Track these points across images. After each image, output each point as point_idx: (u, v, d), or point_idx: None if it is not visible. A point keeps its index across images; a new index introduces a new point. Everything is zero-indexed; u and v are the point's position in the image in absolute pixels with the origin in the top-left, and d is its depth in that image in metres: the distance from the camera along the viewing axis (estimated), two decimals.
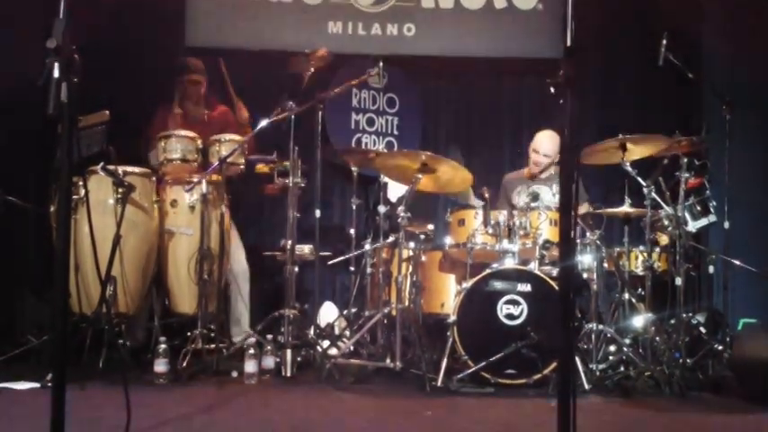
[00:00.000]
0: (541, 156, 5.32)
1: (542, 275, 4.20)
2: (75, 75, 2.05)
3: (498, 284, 4.18)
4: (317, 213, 4.86)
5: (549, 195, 5.20)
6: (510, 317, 4.13)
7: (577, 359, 4.00)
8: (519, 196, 5.35)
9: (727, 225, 4.86)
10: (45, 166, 4.79)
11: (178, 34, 6.13)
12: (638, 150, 4.44)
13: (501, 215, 4.45)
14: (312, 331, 4.68)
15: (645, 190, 4.36)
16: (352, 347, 4.70)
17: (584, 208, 4.98)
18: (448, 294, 5.02)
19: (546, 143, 5.33)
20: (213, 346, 4.29)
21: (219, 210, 4.54)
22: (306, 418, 3.26)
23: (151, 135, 5.01)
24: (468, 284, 4.23)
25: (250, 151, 4.96)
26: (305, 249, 5.26)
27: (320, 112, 4.80)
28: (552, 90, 2.02)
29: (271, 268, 6.23)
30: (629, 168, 4.37)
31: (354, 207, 5.64)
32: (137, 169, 4.52)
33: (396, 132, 6.45)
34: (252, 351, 4.08)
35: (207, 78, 5.24)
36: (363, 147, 6.19)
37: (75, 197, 4.20)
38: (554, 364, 3.91)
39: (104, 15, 5.90)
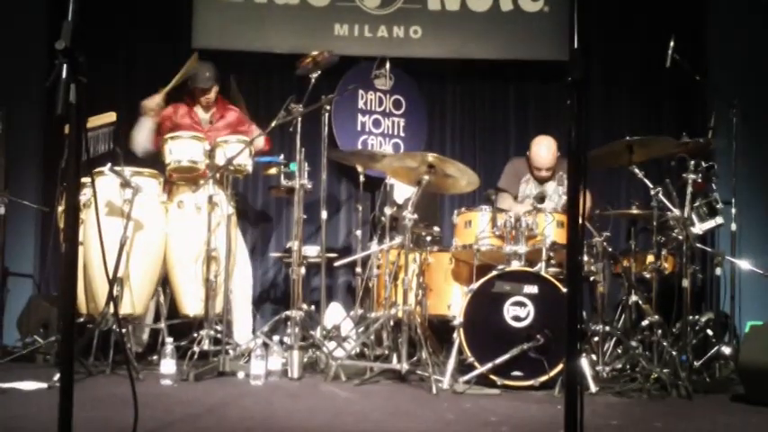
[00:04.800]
0: (543, 170, 5.29)
1: (549, 277, 4.19)
2: (84, 76, 2.05)
3: (505, 286, 4.18)
4: (324, 215, 4.87)
5: (556, 196, 5.20)
6: (517, 319, 4.13)
7: (584, 361, 4.00)
8: (527, 184, 5.33)
9: (734, 227, 4.85)
10: (53, 166, 4.83)
11: (185, 36, 6.14)
12: (644, 152, 4.44)
13: (508, 217, 4.46)
14: (318, 332, 4.69)
15: (652, 192, 4.36)
16: (358, 349, 4.71)
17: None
18: (454, 296, 5.02)
19: (545, 154, 5.26)
20: (219, 347, 4.29)
21: (226, 211, 4.55)
22: (312, 419, 3.25)
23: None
24: (474, 286, 4.23)
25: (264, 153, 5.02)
26: (311, 251, 5.27)
27: (327, 114, 4.81)
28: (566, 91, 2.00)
29: (277, 270, 6.26)
30: (637, 171, 4.37)
31: (360, 209, 5.65)
32: (144, 170, 4.54)
33: (402, 134, 6.44)
34: (258, 352, 4.09)
35: (218, 85, 5.24)
36: (369, 148, 6.19)
37: (82, 198, 4.22)
38: (560, 366, 3.91)
39: (111, 17, 5.94)
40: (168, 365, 3.95)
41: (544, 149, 5.28)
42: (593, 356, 4.30)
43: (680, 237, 4.42)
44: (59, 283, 5.35)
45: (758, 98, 5.63)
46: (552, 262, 4.50)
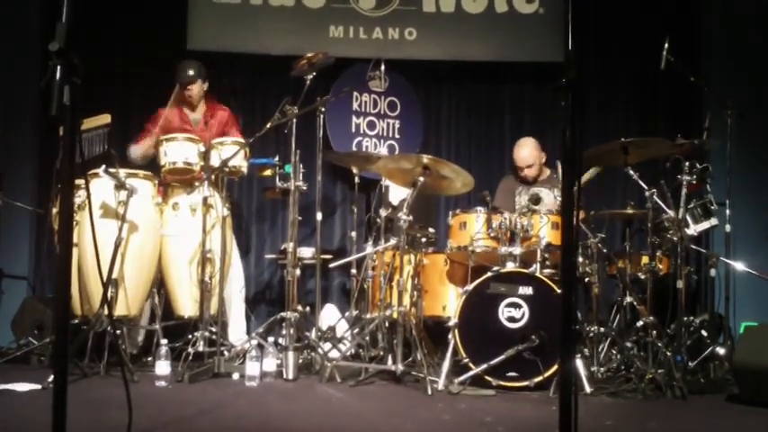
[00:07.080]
0: (524, 169, 5.41)
1: (544, 278, 4.20)
2: (78, 78, 2.05)
3: (500, 287, 4.18)
4: (319, 216, 4.86)
5: (551, 198, 5.20)
6: (511, 320, 4.13)
7: (579, 362, 4.01)
8: (520, 197, 5.35)
9: (728, 228, 4.86)
10: (47, 168, 4.82)
11: (181, 38, 6.14)
12: (639, 153, 4.44)
13: (503, 218, 4.46)
14: (313, 334, 4.68)
15: (647, 193, 4.37)
16: (353, 350, 4.71)
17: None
18: (449, 297, 5.02)
19: (524, 154, 5.42)
20: (214, 348, 4.29)
21: (221, 213, 4.54)
22: (307, 420, 3.25)
23: (148, 128, 5.09)
24: (469, 287, 4.23)
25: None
26: (306, 252, 5.27)
27: (322, 116, 4.80)
28: (554, 95, 2.01)
29: (272, 271, 6.26)
30: (632, 172, 4.38)
31: (356, 210, 5.65)
32: (139, 172, 4.54)
33: (397, 136, 6.44)
34: (253, 353, 4.09)
35: (204, 81, 5.22)
36: (364, 150, 6.19)
37: (77, 199, 4.21)
38: (555, 367, 3.92)
39: (107, 19, 5.93)
40: (163, 367, 3.94)
41: (523, 150, 5.44)
42: (588, 354, 4.31)
43: (675, 238, 4.42)
44: (54, 285, 5.34)
45: (753, 99, 5.64)
46: (547, 263, 4.50)
